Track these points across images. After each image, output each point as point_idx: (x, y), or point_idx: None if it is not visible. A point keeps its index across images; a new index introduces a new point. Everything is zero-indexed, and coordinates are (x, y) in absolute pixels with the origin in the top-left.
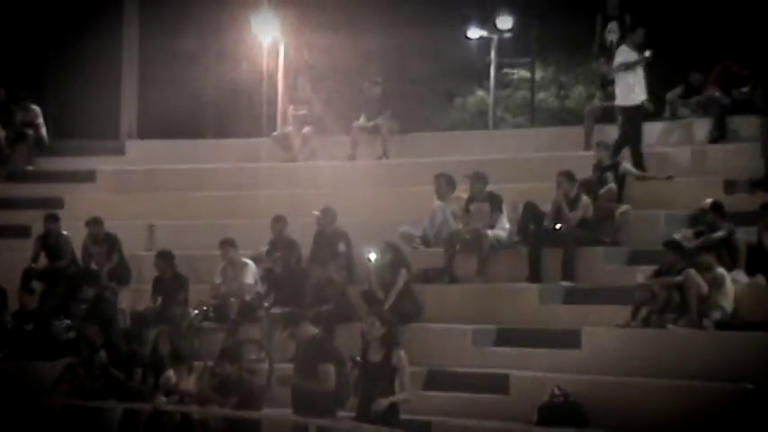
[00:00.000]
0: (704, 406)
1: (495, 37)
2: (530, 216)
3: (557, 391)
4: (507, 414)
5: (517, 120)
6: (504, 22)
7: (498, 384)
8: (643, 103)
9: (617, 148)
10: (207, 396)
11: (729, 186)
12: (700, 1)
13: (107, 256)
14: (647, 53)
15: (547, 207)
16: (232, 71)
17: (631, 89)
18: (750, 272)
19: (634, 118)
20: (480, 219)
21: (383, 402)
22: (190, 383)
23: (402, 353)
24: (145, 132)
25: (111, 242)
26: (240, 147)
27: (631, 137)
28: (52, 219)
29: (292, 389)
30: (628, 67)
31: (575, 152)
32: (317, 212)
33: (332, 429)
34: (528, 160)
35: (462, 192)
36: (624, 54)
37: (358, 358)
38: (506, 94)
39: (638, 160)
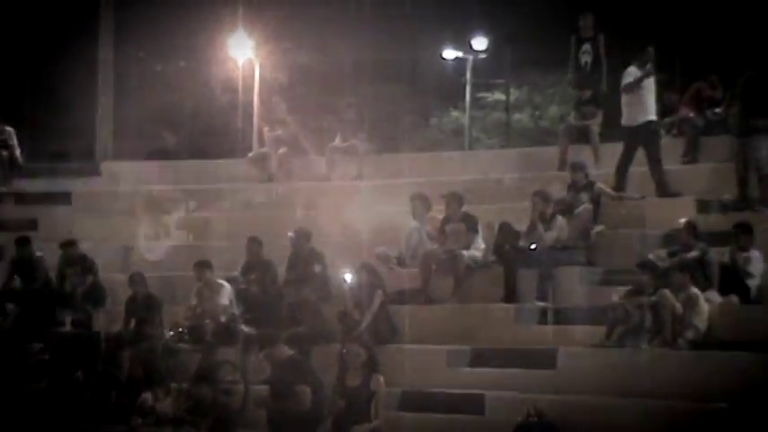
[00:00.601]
0: (679, 425)
1: (471, 58)
2: (505, 236)
3: (532, 411)
4: None
5: (493, 140)
6: (480, 43)
7: (473, 405)
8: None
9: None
10: (182, 418)
11: (703, 206)
12: (673, 20)
13: (82, 278)
14: (649, 66)
15: (522, 227)
16: (208, 92)
17: (646, 107)
18: (723, 291)
19: (647, 136)
20: (456, 239)
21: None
22: (165, 405)
23: (381, 378)
24: (120, 154)
25: (85, 264)
26: (216, 167)
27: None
28: (22, 242)
29: (268, 410)
30: (633, 85)
31: (550, 172)
32: (291, 233)
33: None
34: (503, 180)
35: (438, 212)
36: (632, 75)
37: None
38: (482, 115)
39: (620, 180)
